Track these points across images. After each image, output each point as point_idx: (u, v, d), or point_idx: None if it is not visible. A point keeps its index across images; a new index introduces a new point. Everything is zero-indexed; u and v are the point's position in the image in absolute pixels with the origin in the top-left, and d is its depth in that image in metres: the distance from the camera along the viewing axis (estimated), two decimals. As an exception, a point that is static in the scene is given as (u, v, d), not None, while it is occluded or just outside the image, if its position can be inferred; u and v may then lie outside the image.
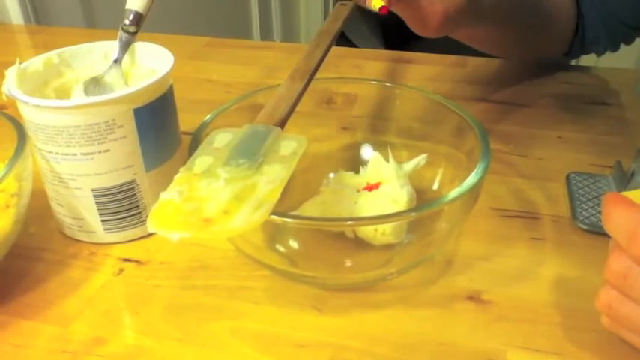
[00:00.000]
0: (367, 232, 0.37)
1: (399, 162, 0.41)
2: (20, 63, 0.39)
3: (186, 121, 0.44)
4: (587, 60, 1.76)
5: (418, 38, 0.44)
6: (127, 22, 0.43)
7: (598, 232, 0.39)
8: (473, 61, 0.67)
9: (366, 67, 0.68)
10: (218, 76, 0.66)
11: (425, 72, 0.66)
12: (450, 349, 0.32)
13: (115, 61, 0.43)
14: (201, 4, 1.40)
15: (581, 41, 0.59)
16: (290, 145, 0.33)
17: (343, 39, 1.22)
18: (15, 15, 0.90)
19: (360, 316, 0.35)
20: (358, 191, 0.39)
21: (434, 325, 0.34)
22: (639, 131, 0.43)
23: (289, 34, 1.94)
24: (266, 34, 1.72)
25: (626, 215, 0.28)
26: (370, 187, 0.39)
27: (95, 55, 0.44)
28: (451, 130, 0.40)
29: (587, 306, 0.34)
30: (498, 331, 0.33)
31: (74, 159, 0.37)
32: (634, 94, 0.41)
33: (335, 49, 0.39)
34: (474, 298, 0.35)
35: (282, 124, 0.35)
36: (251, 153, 0.32)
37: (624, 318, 0.30)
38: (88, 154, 0.36)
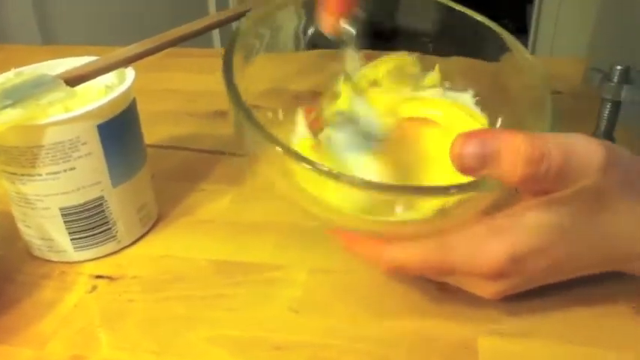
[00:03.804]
0: None
1: None
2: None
3: (151, 134, 0.44)
4: (542, 50, 1.80)
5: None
6: None
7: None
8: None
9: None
10: (180, 86, 0.66)
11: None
12: (426, 341, 0.33)
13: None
14: (158, 15, 1.39)
15: None
16: (55, 96, 0.36)
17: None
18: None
19: (337, 313, 0.35)
20: None
21: (410, 318, 0.35)
22: (590, 120, 0.44)
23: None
24: (227, 42, 1.71)
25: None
26: None
27: (57, 72, 0.43)
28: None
29: (552, 285, 0.35)
30: (468, 320, 0.34)
31: (40, 179, 0.36)
32: (583, 83, 0.43)
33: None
34: (442, 289, 0.36)
35: (78, 79, 0.38)
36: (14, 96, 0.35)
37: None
38: (53, 173, 0.36)
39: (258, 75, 0.37)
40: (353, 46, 0.38)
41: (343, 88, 0.39)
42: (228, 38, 0.34)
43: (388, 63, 0.40)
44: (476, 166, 0.28)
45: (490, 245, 0.29)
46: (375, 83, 0.40)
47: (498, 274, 0.30)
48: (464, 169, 0.28)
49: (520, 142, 0.27)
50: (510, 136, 0.28)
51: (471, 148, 0.28)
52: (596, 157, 0.28)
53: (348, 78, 0.39)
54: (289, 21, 0.40)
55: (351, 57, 0.39)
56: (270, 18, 0.38)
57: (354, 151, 0.36)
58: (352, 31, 0.38)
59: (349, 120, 0.38)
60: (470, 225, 0.30)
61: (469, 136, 0.28)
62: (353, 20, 0.38)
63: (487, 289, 0.32)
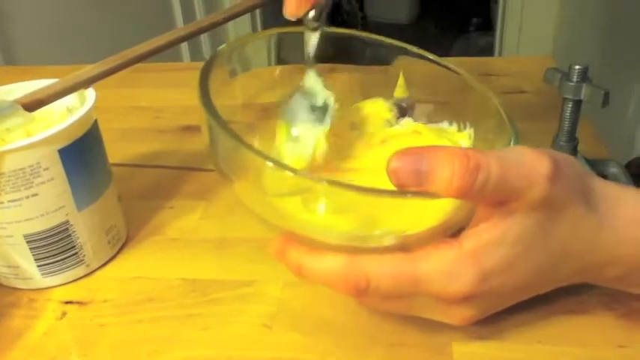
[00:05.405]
0: None
1: None
2: None
3: (116, 152, 0.44)
4: (509, 48, 1.82)
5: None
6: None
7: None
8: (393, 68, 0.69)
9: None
10: (146, 102, 0.65)
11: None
12: (402, 348, 0.33)
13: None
14: (126, 29, 1.38)
15: None
16: (13, 122, 0.35)
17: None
18: None
19: (311, 328, 0.35)
20: None
21: (384, 327, 0.35)
22: (554, 118, 0.45)
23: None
24: (195, 54, 1.70)
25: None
26: None
27: (15, 97, 0.42)
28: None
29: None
30: (442, 325, 0.34)
31: (1, 207, 0.36)
32: (545, 82, 0.43)
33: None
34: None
35: (36, 104, 0.36)
36: None
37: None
38: (15, 200, 0.36)
39: (229, 93, 0.37)
40: (315, 30, 0.38)
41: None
42: (209, 56, 0.34)
43: (366, 107, 0.40)
44: (411, 181, 0.28)
45: (460, 269, 0.29)
46: (353, 126, 0.40)
47: (468, 296, 0.30)
48: (400, 185, 0.28)
49: (454, 155, 0.27)
50: (445, 151, 0.28)
51: (406, 164, 0.28)
52: (543, 167, 0.28)
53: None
54: (260, 52, 0.40)
55: (312, 41, 0.39)
56: (244, 48, 0.38)
57: (307, 123, 0.36)
58: (314, 14, 0.37)
59: (304, 95, 0.38)
60: (438, 247, 0.30)
61: (404, 152, 0.28)
62: (316, 6, 0.38)
63: (456, 315, 0.32)
